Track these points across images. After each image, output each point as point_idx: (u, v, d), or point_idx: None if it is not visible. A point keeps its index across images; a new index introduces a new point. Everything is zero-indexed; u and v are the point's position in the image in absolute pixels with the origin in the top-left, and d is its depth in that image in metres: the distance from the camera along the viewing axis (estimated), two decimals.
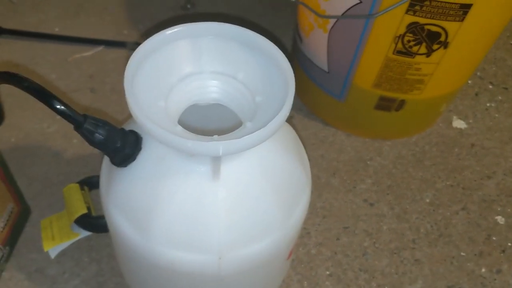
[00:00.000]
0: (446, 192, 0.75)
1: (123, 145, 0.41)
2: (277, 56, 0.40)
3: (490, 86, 0.91)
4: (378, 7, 0.59)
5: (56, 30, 0.88)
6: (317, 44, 0.71)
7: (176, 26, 0.41)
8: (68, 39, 0.85)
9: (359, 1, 0.60)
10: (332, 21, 0.66)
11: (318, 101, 0.80)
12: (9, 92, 0.55)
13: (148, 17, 0.93)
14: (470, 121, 0.85)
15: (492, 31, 0.65)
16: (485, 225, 0.72)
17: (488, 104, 0.88)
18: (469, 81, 0.91)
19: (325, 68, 0.73)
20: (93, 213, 0.62)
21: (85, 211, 0.59)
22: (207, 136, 0.37)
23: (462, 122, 0.85)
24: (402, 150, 0.79)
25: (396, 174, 0.77)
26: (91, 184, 0.66)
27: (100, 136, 0.40)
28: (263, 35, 0.42)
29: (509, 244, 0.71)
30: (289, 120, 0.79)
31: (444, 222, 0.72)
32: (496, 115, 0.86)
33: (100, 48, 0.85)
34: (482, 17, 0.59)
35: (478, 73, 0.92)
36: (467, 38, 0.62)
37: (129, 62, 0.38)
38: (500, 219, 0.73)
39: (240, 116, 0.43)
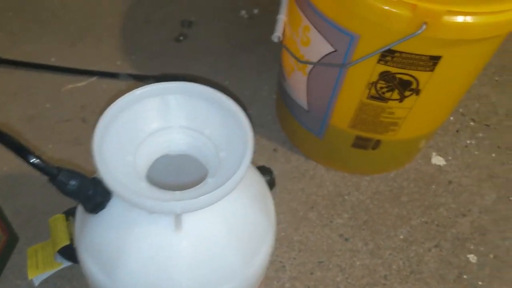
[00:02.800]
0: (420, 229, 0.78)
1: (94, 194, 0.44)
2: (238, 115, 0.43)
3: (472, 123, 0.93)
4: (351, 57, 0.62)
5: (53, 60, 0.92)
6: (297, 85, 0.74)
7: (145, 86, 0.44)
8: (63, 70, 0.89)
9: (334, 50, 0.63)
10: (310, 65, 0.69)
11: (299, 136, 0.83)
12: None
13: (141, 48, 0.97)
14: (449, 157, 0.87)
15: (464, 79, 0.67)
16: (457, 263, 0.74)
17: (468, 141, 0.90)
18: (451, 118, 0.93)
19: (305, 107, 0.76)
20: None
21: (68, 242, 0.62)
22: (168, 193, 0.40)
23: (441, 158, 0.87)
24: (380, 186, 0.82)
25: (373, 209, 0.79)
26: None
27: (73, 186, 0.43)
28: (228, 94, 0.45)
29: (480, 283, 0.73)
30: (272, 153, 0.83)
31: (416, 259, 0.74)
32: (476, 152, 0.89)
33: (93, 78, 0.88)
34: (451, 67, 0.62)
35: (461, 110, 0.95)
36: (438, 86, 0.64)
37: (99, 122, 0.41)
38: (472, 258, 0.75)
39: (207, 168, 0.46)
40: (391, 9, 0.54)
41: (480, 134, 0.91)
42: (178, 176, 0.51)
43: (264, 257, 0.48)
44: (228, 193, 0.39)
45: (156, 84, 0.44)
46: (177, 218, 0.42)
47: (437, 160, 0.87)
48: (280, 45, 0.75)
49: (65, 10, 1.03)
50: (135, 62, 0.94)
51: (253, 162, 0.84)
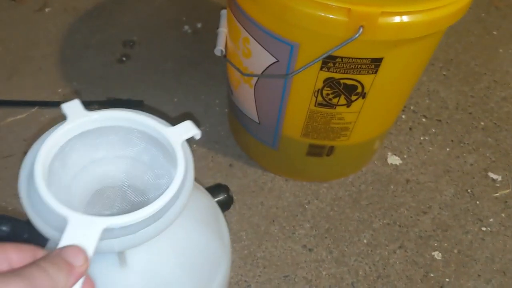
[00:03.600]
0: (383, 231, 0.77)
1: (30, 238, 0.41)
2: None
3: (424, 120, 0.94)
4: (294, 66, 0.61)
5: None
6: (245, 98, 0.73)
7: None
8: (1, 103, 0.84)
9: (276, 60, 0.62)
10: (255, 77, 0.67)
11: (254, 149, 0.81)
12: None
13: (83, 74, 0.93)
14: (405, 156, 0.87)
15: (408, 78, 0.67)
16: (422, 262, 0.74)
17: (422, 138, 0.91)
18: (403, 116, 0.94)
19: (256, 119, 0.74)
20: None
21: None
22: (105, 231, 0.37)
23: (397, 158, 0.87)
24: (338, 191, 0.81)
25: (334, 216, 0.78)
26: None
27: (4, 232, 0.40)
28: (165, 119, 0.43)
29: (447, 280, 0.72)
30: (229, 168, 0.80)
31: (382, 263, 0.73)
32: (430, 148, 0.89)
33: (34, 109, 0.84)
34: (394, 67, 0.62)
35: (412, 107, 0.95)
36: (384, 87, 0.64)
37: (24, 159, 0.39)
38: (437, 255, 0.75)
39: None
40: (326, 15, 0.53)
41: (433, 130, 0.92)
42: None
43: (220, 283, 0.46)
44: (170, 223, 0.37)
45: (97, 112, 0.41)
46: (121, 254, 0.39)
47: (393, 159, 0.87)
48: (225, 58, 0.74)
49: None
50: (77, 88, 0.91)
51: (210, 179, 0.82)
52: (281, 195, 0.80)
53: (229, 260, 0.49)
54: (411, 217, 0.79)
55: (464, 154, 0.88)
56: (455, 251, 0.75)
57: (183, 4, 1.10)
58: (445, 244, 0.76)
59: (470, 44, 1.10)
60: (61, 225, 0.35)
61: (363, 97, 0.64)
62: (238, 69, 0.69)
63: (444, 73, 1.03)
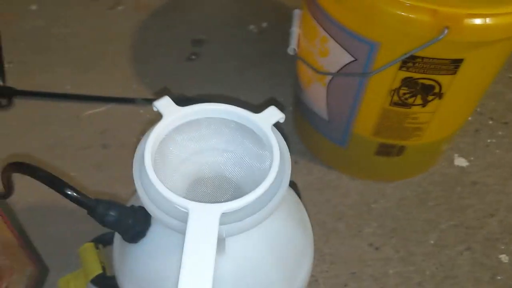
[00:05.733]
0: (450, 232, 0.77)
1: (134, 223, 0.43)
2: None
3: (490, 122, 0.93)
4: (372, 65, 0.62)
5: (68, 88, 0.92)
6: (316, 96, 0.74)
7: (165, 117, 0.42)
8: (79, 97, 0.89)
9: (354, 59, 0.63)
10: (330, 75, 0.69)
11: (320, 147, 0.83)
12: None
13: (154, 71, 0.97)
14: (471, 158, 0.87)
15: (485, 79, 0.67)
16: (489, 264, 0.74)
17: (488, 140, 0.90)
18: (469, 118, 0.93)
19: (325, 117, 0.75)
20: (108, 272, 0.64)
21: (100, 271, 0.62)
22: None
23: (463, 160, 0.86)
24: (405, 191, 0.81)
25: (400, 216, 0.78)
26: (105, 241, 0.69)
27: (112, 217, 0.42)
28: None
29: None
30: (294, 165, 0.82)
31: (449, 263, 0.73)
32: (497, 151, 0.88)
33: (111, 105, 0.89)
34: (473, 69, 0.62)
35: (478, 109, 0.94)
36: (461, 88, 0.64)
37: (138, 148, 0.41)
38: (504, 258, 0.74)
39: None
40: (411, 15, 0.54)
41: (500, 133, 0.91)
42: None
43: (306, 273, 0.48)
44: (271, 212, 0.39)
45: (189, 107, 0.43)
46: (221, 242, 0.41)
47: (460, 161, 0.86)
48: (293, 57, 0.75)
49: (74, 38, 1.04)
50: (150, 85, 0.94)
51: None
52: (347, 193, 0.81)
53: (313, 251, 0.51)
54: (478, 219, 0.79)
55: None
56: None
57: (248, 3, 1.12)
58: None
59: None
60: (176, 213, 0.38)
61: (440, 97, 0.65)
62: (312, 67, 0.70)
63: (510, 75, 1.02)
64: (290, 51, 0.74)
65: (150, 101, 0.89)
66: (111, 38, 1.03)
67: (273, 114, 0.44)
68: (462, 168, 0.85)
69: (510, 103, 0.96)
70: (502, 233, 0.77)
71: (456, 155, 0.87)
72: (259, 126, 0.42)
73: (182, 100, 0.88)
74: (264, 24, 1.07)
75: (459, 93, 0.65)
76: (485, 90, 0.71)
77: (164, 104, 0.43)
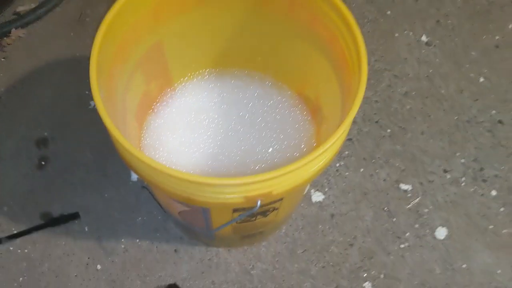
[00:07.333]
0: (320, 276, 0.89)
1: None
2: None
3: None
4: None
5: None
6: (173, 214, 0.79)
7: None
8: None
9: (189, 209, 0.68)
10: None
11: (193, 235, 0.89)
12: None
13: (6, 195, 0.95)
14: (326, 189, 0.97)
15: None
16: None
17: (337, 165, 0.99)
18: None
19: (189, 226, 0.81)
20: None
21: None
22: None
23: (319, 193, 0.96)
24: (276, 247, 0.91)
25: (277, 274, 0.89)
26: None
27: None
28: None
29: None
30: (175, 255, 0.88)
31: None
32: (347, 173, 0.98)
33: None
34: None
35: None
36: (290, 196, 0.71)
37: None
38: (367, 285, 0.88)
39: None
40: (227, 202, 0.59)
41: (346, 152, 1.00)
42: None
43: None
44: None
45: None
46: None
47: (317, 196, 0.96)
48: None
49: None
50: (6, 210, 0.93)
51: (161, 272, 0.88)
52: (227, 267, 0.89)
53: None
54: (341, 253, 0.91)
55: (377, 170, 0.98)
56: (381, 276, 0.89)
57: (83, 76, 1.07)
58: (373, 272, 0.89)
59: (367, 34, 1.14)
60: None
61: (277, 209, 0.72)
62: (159, 203, 0.74)
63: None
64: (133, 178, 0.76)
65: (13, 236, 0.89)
66: None
67: None
68: (320, 203, 0.95)
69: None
70: (363, 260, 0.90)
71: (312, 190, 0.96)
72: None
73: (46, 225, 0.89)
74: None
75: (290, 197, 0.72)
76: None
77: None
